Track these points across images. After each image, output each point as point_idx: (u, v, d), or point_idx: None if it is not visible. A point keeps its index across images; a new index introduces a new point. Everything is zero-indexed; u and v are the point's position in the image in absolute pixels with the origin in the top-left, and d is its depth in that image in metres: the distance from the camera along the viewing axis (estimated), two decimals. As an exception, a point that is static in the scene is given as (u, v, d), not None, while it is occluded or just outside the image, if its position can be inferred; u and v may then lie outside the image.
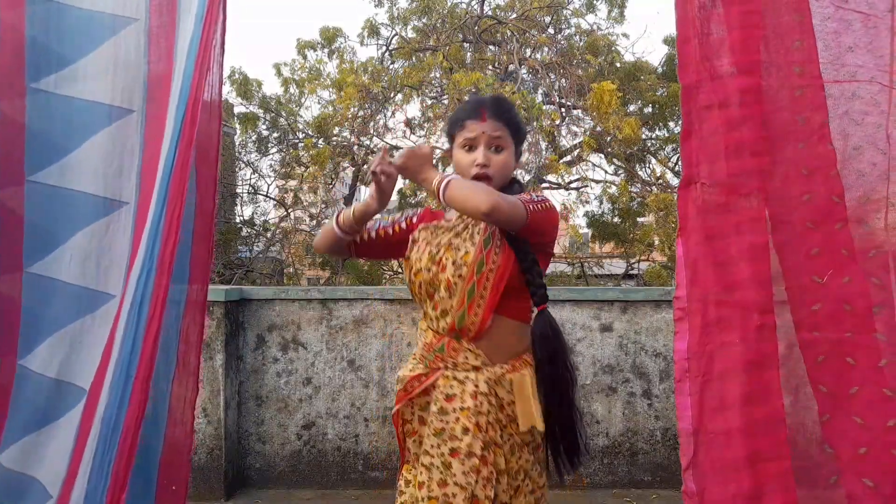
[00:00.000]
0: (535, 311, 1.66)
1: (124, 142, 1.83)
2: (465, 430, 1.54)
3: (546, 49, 8.90)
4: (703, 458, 1.30)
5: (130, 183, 1.84)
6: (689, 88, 1.37)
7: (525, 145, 1.80)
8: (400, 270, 11.02)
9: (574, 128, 9.28)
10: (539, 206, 1.60)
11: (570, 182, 9.73)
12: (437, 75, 8.66)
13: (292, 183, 10.42)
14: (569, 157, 9.15)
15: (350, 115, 8.72)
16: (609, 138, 8.16)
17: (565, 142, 9.23)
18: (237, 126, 9.82)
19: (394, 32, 9.61)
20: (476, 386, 1.57)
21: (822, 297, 1.30)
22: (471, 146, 1.66)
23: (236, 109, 9.82)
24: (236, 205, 10.50)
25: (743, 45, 1.35)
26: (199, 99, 1.62)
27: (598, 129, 8.10)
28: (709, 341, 1.32)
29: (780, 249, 1.33)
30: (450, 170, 1.74)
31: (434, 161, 1.67)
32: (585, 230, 10.68)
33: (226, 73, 9.76)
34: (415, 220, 1.81)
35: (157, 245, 1.53)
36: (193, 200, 1.89)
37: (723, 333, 1.32)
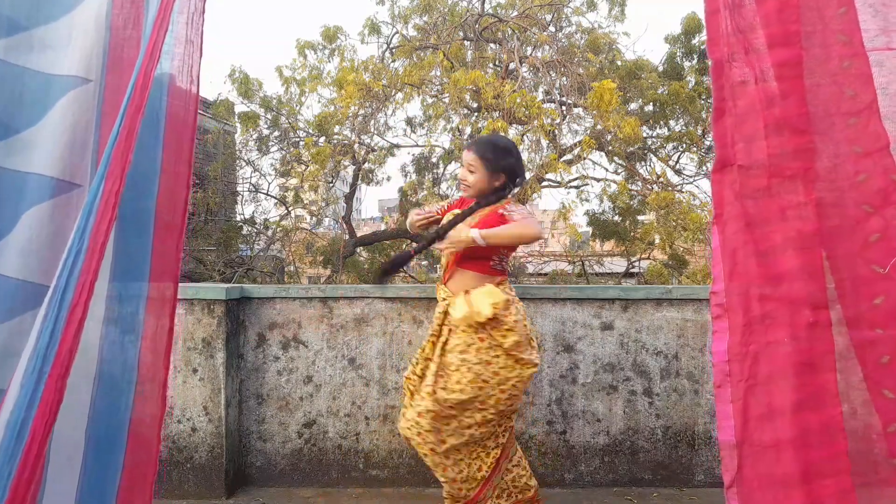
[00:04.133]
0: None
1: (79, 115, 1.58)
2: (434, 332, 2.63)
3: (547, 47, 8.90)
4: (750, 473, 1.14)
5: (84, 162, 1.58)
6: (720, 63, 1.23)
7: (504, 165, 2.63)
8: (401, 270, 11.02)
9: (574, 126, 9.29)
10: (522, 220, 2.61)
11: (571, 181, 9.73)
12: (438, 73, 8.66)
13: (293, 181, 10.43)
14: (569, 156, 9.15)
15: (351, 114, 8.72)
16: (609, 137, 8.16)
17: (566, 140, 9.23)
18: (238, 125, 9.83)
19: (394, 31, 9.62)
20: (445, 308, 2.60)
21: (884, 290, 1.13)
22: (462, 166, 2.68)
23: (237, 108, 9.82)
24: (237, 203, 10.52)
25: (779, 15, 1.21)
26: (154, 64, 1.40)
27: (599, 127, 8.10)
28: (753, 341, 1.16)
29: (828, 237, 1.17)
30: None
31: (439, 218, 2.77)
32: (586, 228, 10.69)
33: (226, 71, 9.76)
34: (450, 204, 2.78)
35: (91, 223, 1.30)
36: (156, 185, 1.65)
37: (769, 332, 1.16)
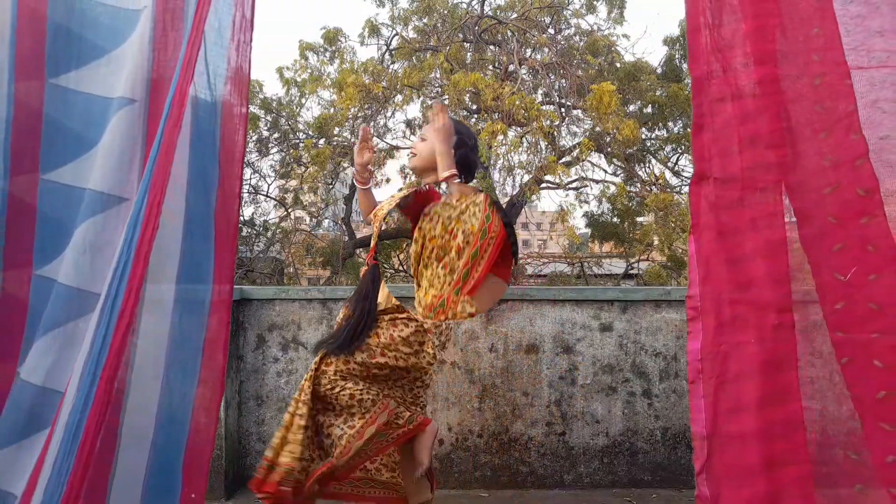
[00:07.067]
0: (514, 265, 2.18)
1: (126, 134, 1.72)
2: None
3: (546, 49, 8.91)
4: (718, 462, 1.26)
5: (131, 177, 1.71)
6: (700, 80, 1.31)
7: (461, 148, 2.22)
8: (400, 269, 11.03)
9: (573, 128, 9.31)
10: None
11: (570, 182, 9.75)
12: (438, 75, 8.67)
13: (292, 183, 10.43)
14: (568, 158, 9.16)
15: (350, 116, 8.73)
16: (608, 139, 8.18)
17: (565, 142, 9.25)
18: (237, 126, 9.81)
19: (394, 32, 9.62)
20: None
21: (844, 296, 1.22)
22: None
23: (236, 110, 9.80)
24: (241, 203, 10.50)
25: (758, 35, 1.28)
26: (189, 81, 1.52)
27: (598, 129, 8.11)
28: (723, 341, 1.27)
29: (806, 244, 1.25)
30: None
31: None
32: (584, 230, 10.71)
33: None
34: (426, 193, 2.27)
35: (137, 234, 1.41)
36: (214, 199, 1.84)
37: (737, 333, 1.27)
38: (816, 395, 1.24)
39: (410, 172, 10.52)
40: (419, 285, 2.19)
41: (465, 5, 9.69)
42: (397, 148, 10.19)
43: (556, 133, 8.55)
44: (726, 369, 1.26)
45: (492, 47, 9.50)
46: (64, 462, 1.31)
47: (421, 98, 9.05)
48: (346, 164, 9.81)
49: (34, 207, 1.78)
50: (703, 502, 1.28)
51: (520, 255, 2.18)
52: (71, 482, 1.29)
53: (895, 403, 1.17)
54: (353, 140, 9.33)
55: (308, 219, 11.43)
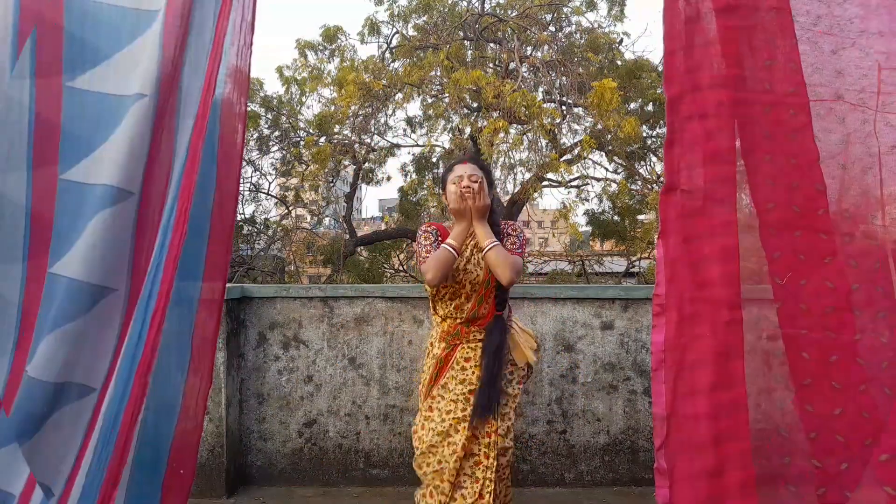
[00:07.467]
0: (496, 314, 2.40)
1: (136, 128, 1.76)
2: (479, 378, 2.34)
3: (547, 47, 8.89)
4: (675, 438, 1.42)
5: (138, 172, 1.75)
6: (673, 100, 1.45)
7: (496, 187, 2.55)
8: (399, 269, 11.04)
9: (575, 126, 9.30)
10: (523, 254, 2.41)
11: (571, 180, 9.74)
12: (438, 73, 8.65)
13: (293, 181, 10.44)
14: (569, 156, 9.15)
15: (351, 113, 8.72)
16: (609, 136, 8.17)
17: (566, 140, 9.24)
18: (238, 124, 9.80)
19: (394, 30, 9.60)
20: (483, 350, 2.36)
21: (783, 297, 1.43)
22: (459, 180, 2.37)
23: (237, 108, 9.80)
24: (238, 203, 10.51)
25: (722, 60, 1.44)
26: (211, 95, 1.59)
27: (599, 126, 8.10)
28: (683, 334, 1.43)
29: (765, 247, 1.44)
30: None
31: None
32: (586, 228, 10.71)
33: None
34: (440, 238, 2.41)
35: (168, 239, 1.51)
36: (211, 198, 1.89)
37: (695, 327, 1.43)
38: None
39: (412, 170, 10.53)
40: (436, 312, 2.47)
41: (464, 3, 9.68)
42: (398, 146, 10.18)
43: (557, 131, 8.54)
44: (684, 358, 1.43)
45: (492, 45, 9.49)
46: (104, 450, 1.44)
47: (421, 96, 9.04)
48: (346, 162, 9.81)
49: (52, 205, 1.80)
50: (660, 474, 1.42)
51: (508, 309, 2.47)
52: (111, 467, 1.43)
53: (814, 391, 1.37)
54: (353, 138, 9.33)
55: (309, 217, 11.44)
